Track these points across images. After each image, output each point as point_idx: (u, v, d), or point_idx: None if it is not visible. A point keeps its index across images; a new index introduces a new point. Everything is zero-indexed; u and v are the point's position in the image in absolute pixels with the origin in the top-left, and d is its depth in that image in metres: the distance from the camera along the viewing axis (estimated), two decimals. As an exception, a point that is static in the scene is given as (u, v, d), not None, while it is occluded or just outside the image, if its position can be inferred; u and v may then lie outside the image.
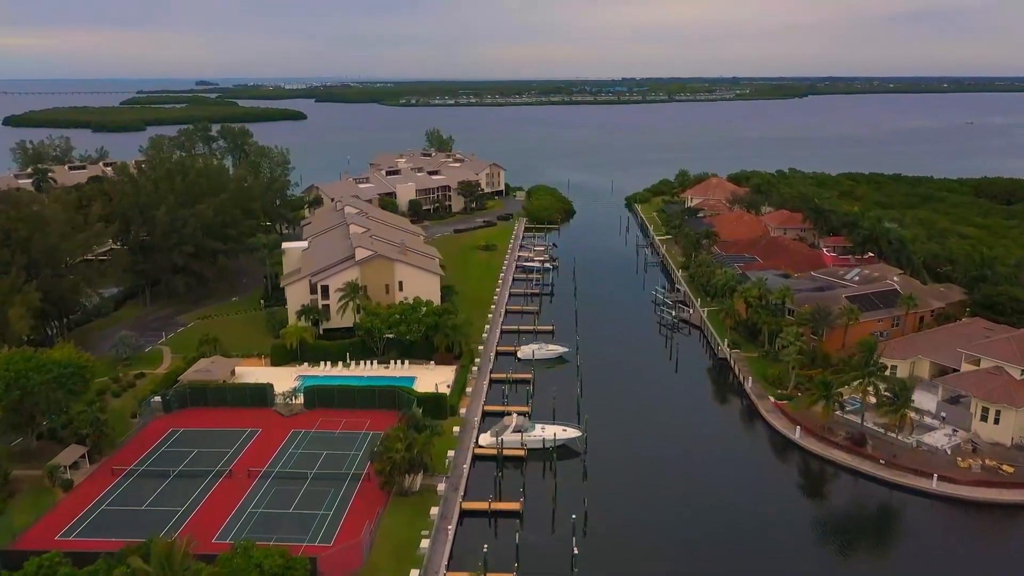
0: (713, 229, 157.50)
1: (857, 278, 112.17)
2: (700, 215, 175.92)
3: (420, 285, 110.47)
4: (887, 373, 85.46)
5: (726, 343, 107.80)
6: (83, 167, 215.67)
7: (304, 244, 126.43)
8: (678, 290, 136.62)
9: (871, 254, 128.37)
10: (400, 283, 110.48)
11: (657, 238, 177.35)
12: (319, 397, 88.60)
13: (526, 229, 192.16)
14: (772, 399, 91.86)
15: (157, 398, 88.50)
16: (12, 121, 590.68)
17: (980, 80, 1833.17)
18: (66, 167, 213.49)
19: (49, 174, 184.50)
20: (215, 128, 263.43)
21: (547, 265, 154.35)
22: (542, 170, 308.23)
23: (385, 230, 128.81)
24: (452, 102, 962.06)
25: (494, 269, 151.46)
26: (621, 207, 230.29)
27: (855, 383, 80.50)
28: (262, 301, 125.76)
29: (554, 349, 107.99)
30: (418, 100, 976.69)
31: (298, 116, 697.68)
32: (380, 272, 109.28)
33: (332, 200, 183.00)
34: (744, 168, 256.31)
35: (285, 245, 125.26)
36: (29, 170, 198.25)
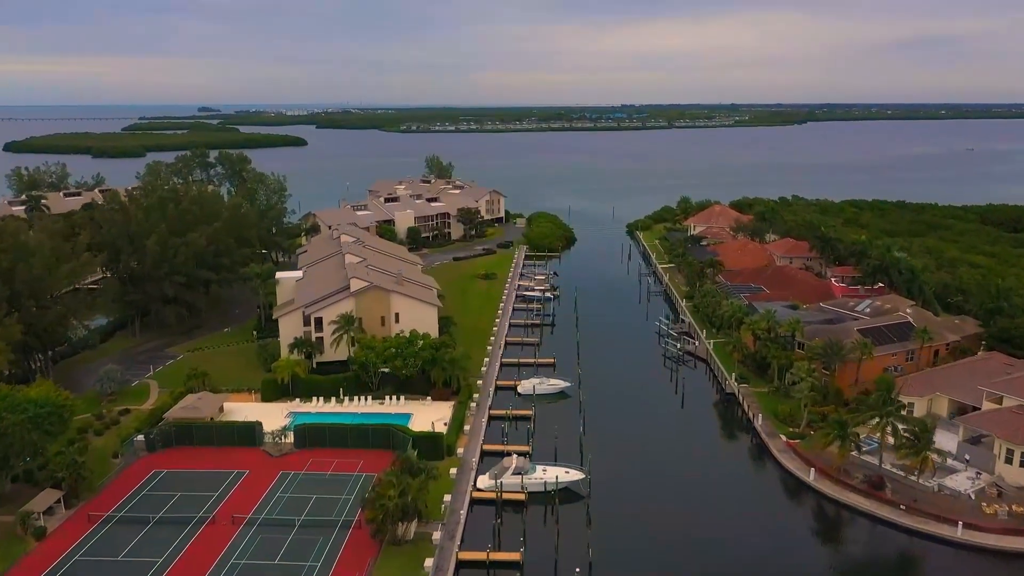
0: (717, 258, 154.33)
1: (868, 310, 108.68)
2: (703, 243, 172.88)
3: (417, 317, 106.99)
4: (904, 412, 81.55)
5: (734, 377, 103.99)
6: (78, 194, 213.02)
7: (299, 274, 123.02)
8: (683, 321, 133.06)
9: (881, 285, 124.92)
10: (396, 315, 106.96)
11: (660, 266, 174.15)
12: (310, 436, 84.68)
13: (526, 257, 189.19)
14: (783, 438, 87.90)
15: (140, 437, 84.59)
16: (13, 147, 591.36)
17: (977, 107, 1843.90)
18: (61, 194, 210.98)
19: (42, 201, 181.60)
20: (213, 155, 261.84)
21: (548, 294, 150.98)
22: (542, 196, 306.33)
23: (382, 259, 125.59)
24: (453, 128, 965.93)
25: (494, 299, 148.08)
26: (622, 234, 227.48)
27: (873, 423, 76.58)
28: (255, 332, 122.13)
29: (556, 384, 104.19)
30: (419, 127, 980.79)
31: (299, 142, 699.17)
32: (376, 303, 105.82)
33: (329, 228, 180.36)
34: (746, 195, 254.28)
35: (279, 275, 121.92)
36: (23, 197, 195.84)
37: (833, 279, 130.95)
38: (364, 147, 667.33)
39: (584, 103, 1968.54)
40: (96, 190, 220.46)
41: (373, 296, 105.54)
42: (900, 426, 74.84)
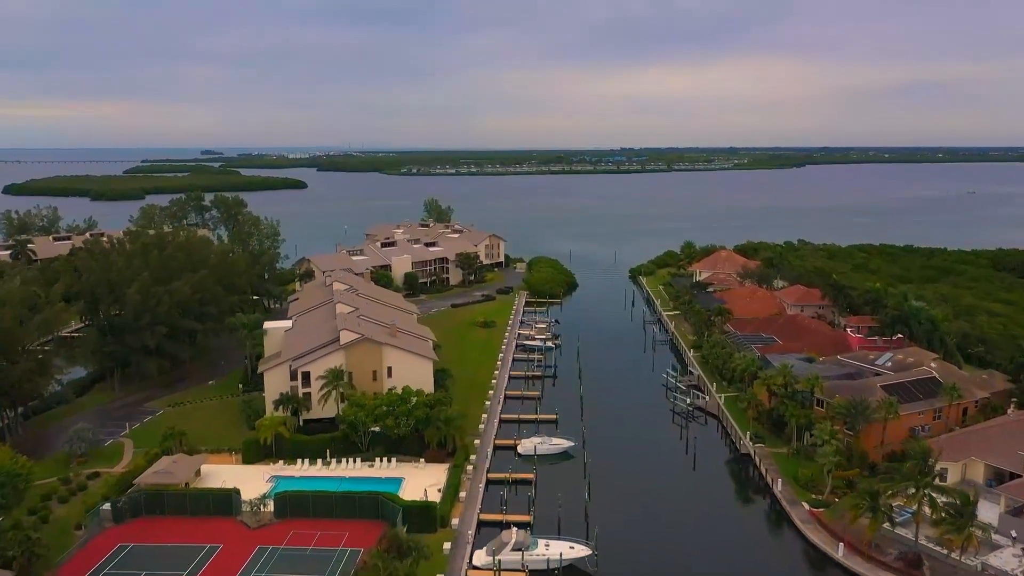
0: (725, 305, 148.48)
1: (890, 364, 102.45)
2: (710, 290, 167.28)
3: (411, 370, 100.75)
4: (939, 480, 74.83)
5: (748, 436, 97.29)
6: (68, 238, 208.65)
7: (288, 324, 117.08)
8: (691, 373, 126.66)
9: (900, 336, 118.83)
10: (389, 368, 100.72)
11: (665, 314, 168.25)
12: (292, 504, 77.76)
13: (527, 303, 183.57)
14: (806, 505, 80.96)
15: (107, 506, 77.62)
16: (12, 189, 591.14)
17: (974, 150, 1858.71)
18: (50, 238, 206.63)
19: (28, 245, 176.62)
20: (209, 198, 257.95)
21: (549, 344, 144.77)
22: (543, 240, 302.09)
23: (375, 309, 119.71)
24: (453, 171, 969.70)
25: (493, 348, 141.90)
26: (625, 279, 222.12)
27: (908, 494, 69.80)
28: (240, 385, 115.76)
29: (558, 444, 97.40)
30: (419, 169, 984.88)
31: (299, 185, 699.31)
32: (367, 357, 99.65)
33: (324, 273, 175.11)
34: (750, 239, 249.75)
35: (267, 325, 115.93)
36: (10, 241, 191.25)
37: (849, 329, 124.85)
38: (364, 190, 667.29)
39: (583, 146, 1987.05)
40: (88, 234, 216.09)
41: (364, 349, 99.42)
42: (940, 498, 68.07)
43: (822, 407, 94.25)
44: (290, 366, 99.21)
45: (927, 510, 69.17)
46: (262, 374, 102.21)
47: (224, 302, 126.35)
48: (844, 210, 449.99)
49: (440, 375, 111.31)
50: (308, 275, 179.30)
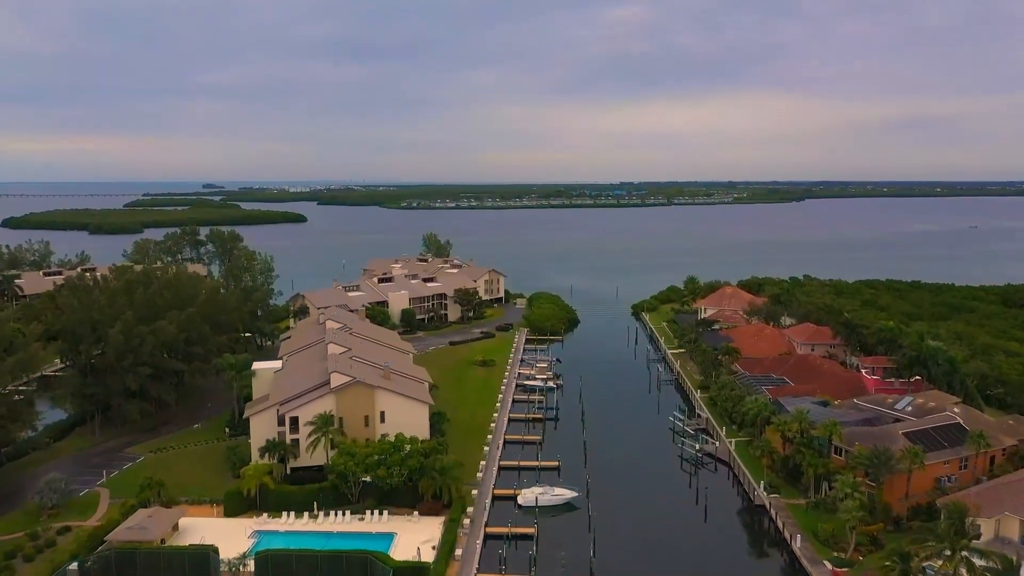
0: (732, 344, 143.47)
1: (910, 408, 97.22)
2: (716, 327, 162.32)
3: (405, 415, 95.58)
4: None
5: (763, 486, 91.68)
6: (59, 272, 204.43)
7: (277, 364, 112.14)
8: (699, 416, 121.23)
9: (918, 377, 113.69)
10: (382, 413, 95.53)
11: (669, 352, 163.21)
12: (274, 564, 71.94)
13: (527, 340, 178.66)
14: (829, 564, 75.17)
15: (74, 566, 71.89)
16: (11, 223, 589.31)
17: (972, 184, 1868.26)
18: (41, 273, 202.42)
19: (16, 281, 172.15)
20: (205, 231, 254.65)
21: (550, 384, 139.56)
22: (543, 275, 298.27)
23: (369, 349, 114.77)
24: (453, 205, 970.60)
25: (492, 388, 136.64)
26: (627, 315, 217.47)
27: (943, 555, 64.17)
28: (227, 429, 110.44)
29: (561, 494, 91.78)
30: (419, 203, 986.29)
31: (298, 218, 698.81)
32: (359, 401, 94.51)
33: (318, 310, 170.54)
34: (754, 274, 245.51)
35: (256, 366, 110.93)
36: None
37: (864, 371, 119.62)
38: (364, 223, 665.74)
39: (583, 180, 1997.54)
40: (78, 269, 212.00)
41: (356, 393, 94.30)
42: (978, 562, 62.47)
43: (841, 455, 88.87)
44: (277, 410, 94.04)
45: (964, 574, 63.49)
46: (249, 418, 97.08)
47: (212, 341, 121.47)
48: (846, 244, 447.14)
49: (436, 418, 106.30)
50: (302, 311, 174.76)
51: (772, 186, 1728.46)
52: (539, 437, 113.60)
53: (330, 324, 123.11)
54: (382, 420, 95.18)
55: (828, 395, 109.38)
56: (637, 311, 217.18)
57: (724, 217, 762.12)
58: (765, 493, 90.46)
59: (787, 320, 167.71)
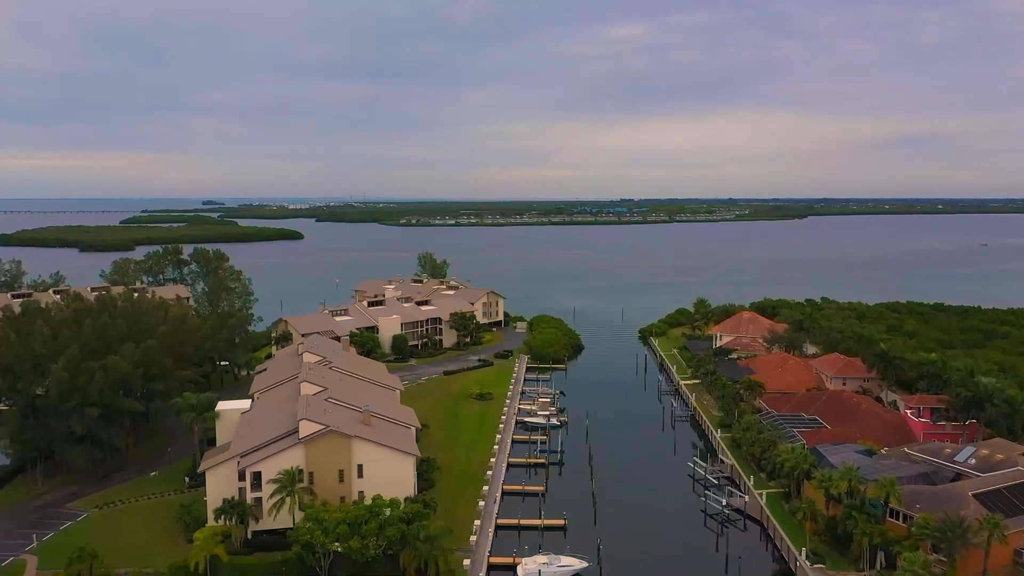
0: (753, 375, 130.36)
1: (973, 461, 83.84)
2: (733, 356, 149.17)
3: (387, 469, 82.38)
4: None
5: (804, 554, 78.12)
6: (29, 294, 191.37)
7: (246, 404, 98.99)
8: (722, 462, 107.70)
9: (973, 420, 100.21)
10: (359, 467, 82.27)
11: (683, 383, 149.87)
12: (218, 666, 58.60)
13: (528, 369, 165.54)
14: (895, 663, 61.69)
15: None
16: (1, 240, 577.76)
17: (973, 202, 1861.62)
18: (8, 295, 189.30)
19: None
20: (189, 251, 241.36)
21: (554, 421, 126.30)
22: (545, 295, 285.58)
23: (349, 387, 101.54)
24: (453, 222, 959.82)
25: (489, 426, 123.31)
26: (634, 340, 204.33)
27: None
28: (187, 479, 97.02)
29: (568, 564, 78.15)
30: (418, 220, 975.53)
31: (295, 236, 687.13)
32: (333, 453, 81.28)
33: (302, 336, 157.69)
34: (765, 295, 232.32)
35: (221, 406, 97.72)
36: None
37: (909, 412, 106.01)
38: (361, 241, 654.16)
39: (584, 197, 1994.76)
40: (51, 291, 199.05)
41: (329, 444, 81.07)
42: None
43: (898, 518, 75.50)
44: (238, 463, 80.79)
45: None
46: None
47: (175, 376, 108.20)
48: (856, 263, 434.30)
49: (425, 466, 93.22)
50: (285, 338, 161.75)
51: (772, 203, 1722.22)
52: (542, 488, 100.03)
53: (307, 357, 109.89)
54: (360, 475, 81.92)
55: (870, 440, 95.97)
56: (645, 335, 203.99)
57: (728, 235, 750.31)
58: (808, 563, 76.94)
59: (809, 348, 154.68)
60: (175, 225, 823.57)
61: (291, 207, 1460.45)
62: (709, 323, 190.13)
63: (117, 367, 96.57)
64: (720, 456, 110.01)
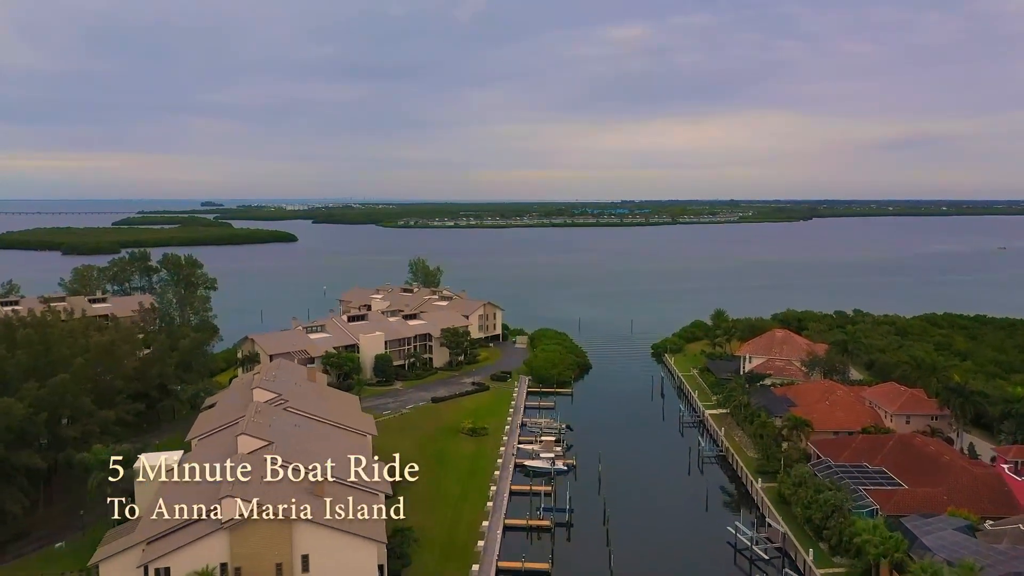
0: (795, 408, 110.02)
1: (1117, 547, 63.40)
2: (767, 383, 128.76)
3: (342, 557, 62.15)
4: None
5: None
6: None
7: (176, 457, 78.71)
8: (769, 525, 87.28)
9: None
10: (304, 559, 61.89)
11: (708, 413, 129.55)
12: None
13: (529, 393, 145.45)
14: None
15: None
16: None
17: (979, 203, 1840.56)
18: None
19: None
20: (158, 257, 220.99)
21: (560, 465, 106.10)
22: (546, 303, 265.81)
23: (303, 439, 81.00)
24: (452, 224, 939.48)
25: (483, 472, 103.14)
26: (647, 356, 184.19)
27: None
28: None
29: None
30: (416, 222, 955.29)
31: (289, 238, 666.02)
32: (267, 541, 60.89)
33: (271, 358, 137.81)
34: (783, 302, 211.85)
35: (142, 460, 77.38)
36: None
37: (1004, 465, 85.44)
38: (357, 244, 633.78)
39: (584, 198, 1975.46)
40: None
41: (263, 530, 60.67)
42: None
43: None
44: (142, 550, 60.44)
45: None
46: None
47: (96, 418, 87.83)
48: (871, 268, 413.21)
49: (399, 539, 72.90)
50: (252, 360, 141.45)
51: (774, 204, 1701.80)
52: (547, 566, 79.54)
53: (258, 394, 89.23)
54: (305, 568, 61.56)
55: (962, 507, 75.65)
56: (659, 352, 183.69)
57: (733, 237, 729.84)
58: None
59: (853, 373, 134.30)
60: (168, 227, 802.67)
61: (288, 208, 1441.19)
62: (732, 339, 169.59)
63: (10, 412, 76.18)
64: (767, 518, 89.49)
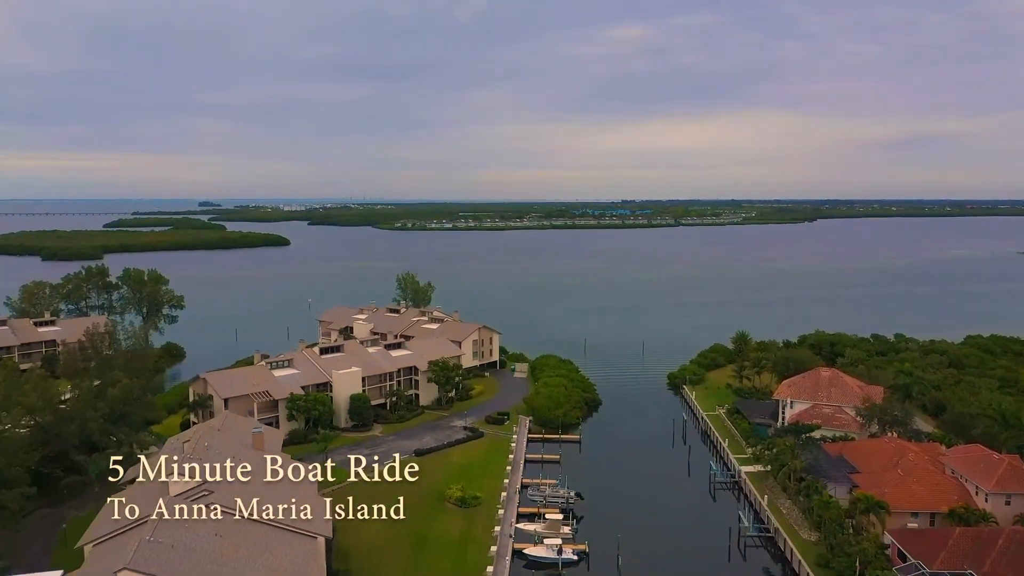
0: (856, 474, 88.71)
1: None
2: (818, 438, 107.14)
3: None
4: None
5: None
6: None
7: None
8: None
9: None
10: None
11: (744, 471, 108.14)
12: None
13: (529, 440, 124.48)
14: None
15: None
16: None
17: (981, 203, 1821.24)
18: None
19: None
20: (117, 273, 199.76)
21: (569, 553, 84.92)
22: (548, 320, 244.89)
23: (235, 544, 59.47)
24: (450, 226, 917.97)
25: (472, 564, 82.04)
26: (662, 387, 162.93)
27: None
28: None
29: None
30: (413, 224, 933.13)
31: (281, 242, 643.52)
32: None
33: (224, 401, 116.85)
34: (820, 327, 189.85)
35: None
36: None
37: None
38: (351, 248, 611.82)
39: (585, 199, 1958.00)
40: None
41: None
42: None
43: None
44: None
45: None
46: None
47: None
48: (888, 276, 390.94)
49: None
50: (203, 404, 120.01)
51: (776, 205, 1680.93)
52: None
53: (173, 486, 67.48)
54: None
55: None
56: (676, 382, 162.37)
57: (739, 239, 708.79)
58: None
59: (919, 423, 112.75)
60: (159, 229, 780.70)
61: (285, 209, 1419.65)
62: (762, 372, 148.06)
63: None
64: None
